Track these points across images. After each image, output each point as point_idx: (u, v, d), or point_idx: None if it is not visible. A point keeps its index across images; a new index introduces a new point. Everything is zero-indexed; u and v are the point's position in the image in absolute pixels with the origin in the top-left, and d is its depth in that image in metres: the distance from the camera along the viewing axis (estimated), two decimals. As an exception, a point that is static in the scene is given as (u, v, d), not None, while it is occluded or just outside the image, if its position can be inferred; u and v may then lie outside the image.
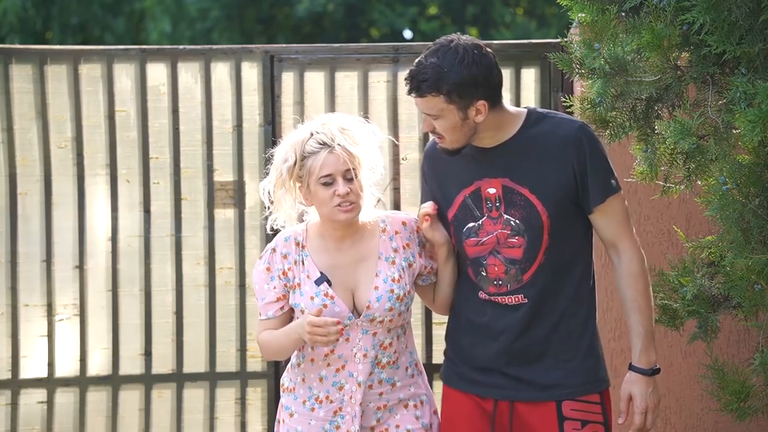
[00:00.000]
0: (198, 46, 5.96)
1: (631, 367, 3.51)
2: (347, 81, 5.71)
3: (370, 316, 3.57)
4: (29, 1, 13.50)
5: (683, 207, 5.15)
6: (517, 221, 3.50)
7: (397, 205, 5.67)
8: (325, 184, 3.50)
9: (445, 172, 3.60)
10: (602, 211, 3.51)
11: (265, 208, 3.61)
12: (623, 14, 3.82)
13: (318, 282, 3.57)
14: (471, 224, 3.55)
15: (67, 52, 5.76)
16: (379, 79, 5.73)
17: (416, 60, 3.44)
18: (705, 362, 4.03)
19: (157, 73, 5.73)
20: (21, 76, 5.66)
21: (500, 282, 3.54)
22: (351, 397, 3.61)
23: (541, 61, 5.63)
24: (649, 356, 3.50)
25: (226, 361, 5.76)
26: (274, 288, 3.62)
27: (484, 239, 3.53)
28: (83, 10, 14.07)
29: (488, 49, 3.43)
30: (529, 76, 5.66)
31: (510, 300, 3.54)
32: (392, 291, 3.58)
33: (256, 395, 5.77)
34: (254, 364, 5.76)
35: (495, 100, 3.44)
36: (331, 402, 3.63)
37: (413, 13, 14.88)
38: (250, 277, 5.75)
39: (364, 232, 3.62)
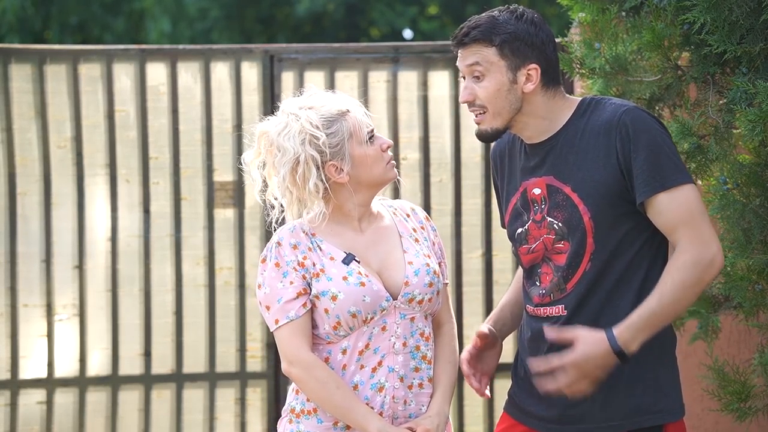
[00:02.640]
0: (198, 46, 5.96)
1: (607, 330, 2.95)
2: (347, 81, 5.70)
3: (409, 295, 3.12)
4: (28, 0, 13.50)
5: (683, 207, 5.14)
6: (560, 224, 3.08)
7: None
8: (370, 140, 3.15)
9: (506, 174, 3.25)
10: (652, 208, 2.99)
11: (268, 208, 3.21)
12: (624, 14, 3.82)
13: (346, 261, 3.11)
14: (519, 230, 3.17)
15: (67, 52, 5.75)
16: (379, 79, 5.73)
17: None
18: (705, 362, 4.02)
19: (157, 72, 5.72)
20: (20, 75, 5.66)
21: (544, 291, 3.12)
22: (393, 397, 3.12)
23: (541, 60, 5.63)
24: (634, 337, 2.93)
25: (226, 362, 5.75)
26: (291, 283, 3.09)
27: (533, 246, 3.14)
28: (82, 9, 14.06)
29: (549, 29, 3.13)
30: (529, 76, 5.66)
31: (550, 311, 3.11)
32: (428, 265, 3.17)
33: (256, 395, 5.77)
34: (254, 365, 5.76)
35: (549, 74, 3.08)
36: (372, 409, 3.10)
37: (413, 12, 14.87)
38: (250, 278, 5.75)
39: (377, 218, 3.23)
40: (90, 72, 5.70)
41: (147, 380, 5.72)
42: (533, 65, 3.05)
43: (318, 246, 3.14)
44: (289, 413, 3.19)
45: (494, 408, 5.80)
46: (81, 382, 5.70)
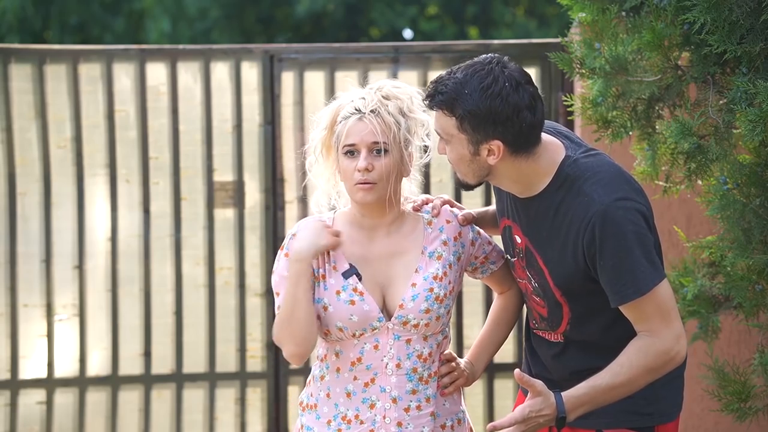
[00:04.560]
0: (198, 46, 5.96)
1: (556, 393, 2.91)
2: (347, 81, 5.69)
3: (403, 318, 3.06)
4: (28, 0, 13.50)
5: (684, 207, 5.14)
6: (536, 284, 3.07)
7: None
8: (349, 154, 3.03)
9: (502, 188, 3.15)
10: (622, 309, 2.95)
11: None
12: (624, 14, 3.81)
13: (346, 275, 3.07)
14: (509, 257, 3.16)
15: (67, 52, 5.75)
16: (379, 79, 5.71)
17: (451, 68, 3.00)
18: (706, 363, 4.02)
19: (157, 72, 5.72)
20: (20, 75, 5.66)
21: (540, 319, 3.14)
22: (385, 417, 3.07)
23: (541, 60, 5.63)
24: (577, 409, 2.91)
25: (226, 362, 5.75)
26: None
27: (518, 280, 3.17)
28: (82, 9, 14.06)
29: (532, 89, 2.91)
30: (530, 76, 5.66)
31: (548, 336, 3.15)
32: (431, 290, 3.06)
33: (256, 395, 5.77)
34: (254, 365, 5.76)
35: (517, 147, 2.91)
36: (362, 423, 3.08)
37: (413, 12, 14.87)
38: (250, 278, 5.75)
39: (402, 223, 3.13)
40: (90, 72, 5.70)
41: (147, 380, 5.72)
42: (496, 142, 2.90)
43: (327, 251, 3.09)
44: (299, 406, 3.23)
45: (494, 408, 5.80)
46: (81, 382, 5.69)
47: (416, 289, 3.06)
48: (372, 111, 3.02)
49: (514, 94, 2.86)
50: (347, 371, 3.09)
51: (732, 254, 3.61)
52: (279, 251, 3.13)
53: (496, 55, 2.96)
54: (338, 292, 3.06)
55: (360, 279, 3.07)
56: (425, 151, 3.16)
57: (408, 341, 3.07)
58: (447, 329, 3.16)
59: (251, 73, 5.74)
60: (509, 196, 3.07)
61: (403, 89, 3.10)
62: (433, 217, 3.15)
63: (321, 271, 3.09)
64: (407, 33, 15.35)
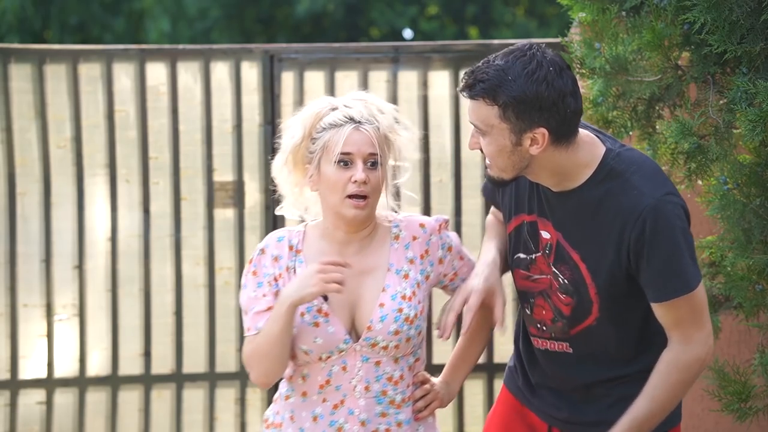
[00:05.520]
0: (197, 46, 5.96)
1: None
2: (347, 81, 5.70)
3: (371, 340, 2.92)
4: (28, 0, 13.50)
5: (684, 207, 5.14)
6: (566, 281, 2.92)
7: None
8: (342, 164, 2.88)
9: (517, 183, 2.99)
10: (659, 307, 2.86)
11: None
12: (624, 14, 3.81)
13: None
14: (522, 255, 2.99)
15: (66, 52, 5.75)
16: (379, 79, 5.73)
17: (485, 59, 2.82)
18: (706, 363, 4.02)
19: (157, 72, 5.72)
20: (20, 75, 5.66)
21: (544, 327, 3.00)
22: None
23: (541, 60, 5.62)
24: None
25: (226, 362, 5.75)
26: (264, 296, 2.95)
27: (536, 277, 2.98)
28: (82, 9, 14.07)
29: (573, 75, 2.81)
30: (530, 76, 5.66)
31: (552, 346, 3.01)
32: (401, 310, 2.92)
33: (256, 396, 5.77)
34: (254, 365, 5.76)
35: (560, 135, 2.79)
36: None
37: (413, 12, 14.88)
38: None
39: (373, 238, 2.99)
40: (90, 72, 5.70)
41: (147, 380, 5.72)
42: (541, 130, 2.76)
43: (294, 269, 2.95)
44: (263, 422, 3.13)
45: (494, 408, 5.80)
46: (81, 383, 5.69)
47: (384, 309, 2.92)
48: (367, 120, 2.91)
49: (558, 79, 2.75)
50: (315, 394, 2.96)
51: (732, 254, 3.60)
52: (247, 265, 2.99)
53: (533, 41, 2.84)
54: (302, 314, 2.91)
55: (326, 299, 2.92)
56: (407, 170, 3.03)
57: (377, 363, 2.94)
58: (419, 351, 3.02)
59: (251, 73, 5.74)
60: (536, 190, 2.93)
61: (386, 104, 3.01)
62: (400, 230, 3.00)
63: None
64: (407, 33, 15.36)
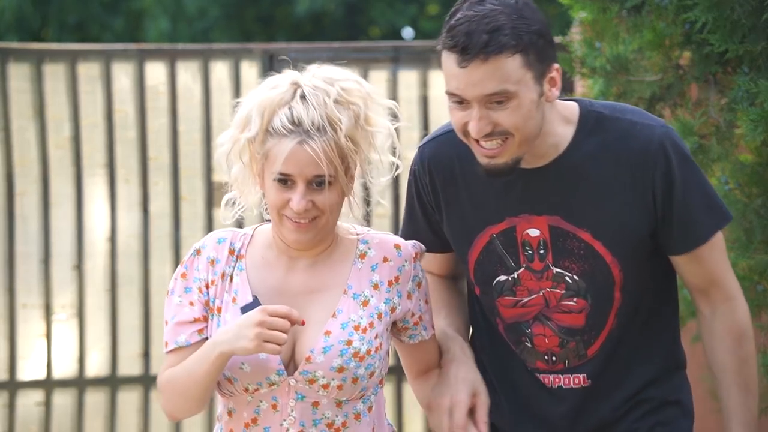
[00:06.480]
0: (197, 46, 5.96)
1: None
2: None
3: (309, 375, 2.37)
4: (27, -1, 13.50)
5: (684, 207, 5.13)
6: (575, 277, 2.45)
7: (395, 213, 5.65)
8: (280, 182, 2.36)
9: (464, 194, 2.53)
10: (691, 258, 2.46)
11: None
12: (625, 13, 3.81)
13: (245, 309, 2.36)
14: (502, 278, 2.50)
15: (65, 51, 5.75)
16: (379, 78, 5.72)
17: (456, 15, 2.36)
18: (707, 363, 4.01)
19: (156, 72, 5.71)
20: (18, 75, 5.65)
21: (554, 358, 2.51)
22: None
23: (541, 60, 5.62)
24: None
25: (225, 362, 5.74)
26: (191, 304, 2.43)
27: (525, 300, 2.49)
28: (81, 8, 14.06)
29: None
30: (530, 76, 5.66)
31: (564, 381, 2.52)
32: (349, 343, 2.37)
33: (256, 396, 5.76)
34: (253, 365, 5.75)
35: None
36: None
37: (413, 12, 14.88)
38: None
39: (332, 254, 2.45)
40: (89, 71, 5.69)
41: (146, 381, 5.71)
42: (556, 65, 2.38)
43: (231, 276, 2.44)
44: None
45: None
46: (80, 383, 5.68)
47: (330, 339, 2.37)
48: (318, 129, 2.33)
49: (538, 11, 2.37)
50: None
51: (733, 254, 3.60)
52: (179, 266, 2.49)
53: None
54: None
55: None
56: (395, 167, 2.61)
57: (315, 404, 2.38)
58: (372, 397, 2.46)
59: (251, 72, 5.73)
60: (504, 187, 2.46)
61: (359, 87, 2.44)
62: (369, 248, 2.46)
63: (217, 302, 2.44)
64: (407, 32, 15.35)
